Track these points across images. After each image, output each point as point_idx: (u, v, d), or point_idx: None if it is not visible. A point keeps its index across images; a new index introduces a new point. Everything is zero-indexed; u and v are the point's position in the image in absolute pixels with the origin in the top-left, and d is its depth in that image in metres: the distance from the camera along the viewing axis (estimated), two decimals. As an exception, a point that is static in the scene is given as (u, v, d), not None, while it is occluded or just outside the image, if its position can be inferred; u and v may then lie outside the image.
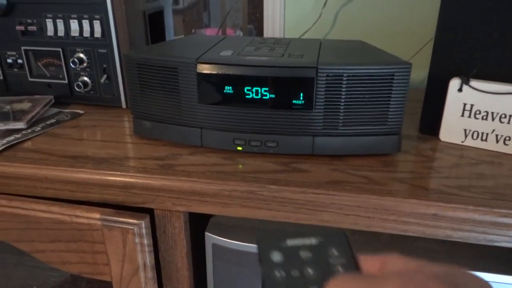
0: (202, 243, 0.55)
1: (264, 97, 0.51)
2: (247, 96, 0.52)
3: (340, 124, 0.52)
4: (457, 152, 0.56)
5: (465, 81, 0.55)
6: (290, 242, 0.27)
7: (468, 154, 0.55)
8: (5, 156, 0.55)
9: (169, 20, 0.83)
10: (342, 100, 0.51)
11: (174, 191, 0.49)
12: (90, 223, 0.52)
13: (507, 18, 0.52)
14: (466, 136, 0.57)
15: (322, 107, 0.51)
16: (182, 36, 0.98)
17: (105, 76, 0.70)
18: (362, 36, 0.89)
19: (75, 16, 0.67)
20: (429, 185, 0.48)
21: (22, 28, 0.70)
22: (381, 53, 0.57)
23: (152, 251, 0.53)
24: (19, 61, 0.73)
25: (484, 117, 0.55)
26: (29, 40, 0.71)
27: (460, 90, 0.55)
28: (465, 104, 0.56)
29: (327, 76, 0.50)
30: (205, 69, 0.52)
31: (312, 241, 0.27)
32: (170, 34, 0.83)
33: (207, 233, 0.54)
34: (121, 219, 0.51)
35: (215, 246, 0.54)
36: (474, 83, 0.54)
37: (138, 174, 0.50)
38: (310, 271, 0.25)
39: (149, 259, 0.53)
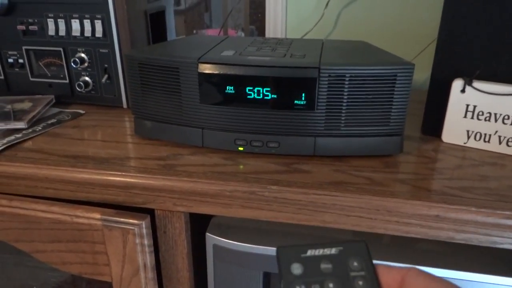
0: (202, 244, 0.55)
1: (265, 97, 0.51)
2: (248, 96, 0.51)
3: (342, 125, 0.51)
4: (460, 153, 0.56)
5: (468, 82, 0.54)
6: (311, 252, 0.26)
7: (471, 155, 0.55)
8: (6, 155, 0.55)
9: (171, 20, 0.83)
10: (344, 101, 0.50)
11: (175, 191, 0.49)
12: (90, 223, 0.51)
13: (511, 19, 0.52)
14: (468, 137, 0.57)
15: (324, 107, 0.51)
16: (184, 36, 0.97)
17: (106, 76, 0.70)
18: (364, 37, 0.89)
19: (76, 15, 0.67)
20: (432, 186, 0.47)
21: (23, 27, 0.70)
22: (383, 54, 0.56)
23: (153, 252, 0.53)
24: (20, 60, 0.73)
25: (487, 118, 0.55)
26: (30, 39, 0.71)
27: (463, 91, 0.55)
28: (467, 105, 0.55)
29: (329, 76, 0.49)
30: (206, 69, 0.52)
31: (332, 251, 0.27)
32: (171, 34, 0.83)
33: (207, 234, 0.54)
34: (122, 220, 0.51)
35: (215, 247, 0.53)
36: (477, 84, 0.54)
37: (139, 174, 0.50)
38: (330, 285, 0.25)
39: (149, 259, 0.53)
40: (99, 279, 0.55)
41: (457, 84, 0.55)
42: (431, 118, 0.60)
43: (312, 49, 0.58)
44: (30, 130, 0.62)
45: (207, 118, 0.54)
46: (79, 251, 0.54)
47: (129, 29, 0.67)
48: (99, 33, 0.67)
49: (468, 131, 0.56)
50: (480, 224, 0.43)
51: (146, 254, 0.52)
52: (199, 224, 0.56)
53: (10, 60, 0.73)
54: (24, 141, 0.59)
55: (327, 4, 0.89)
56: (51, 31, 0.69)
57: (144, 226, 0.51)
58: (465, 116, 0.56)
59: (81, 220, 0.52)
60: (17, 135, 0.60)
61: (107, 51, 0.68)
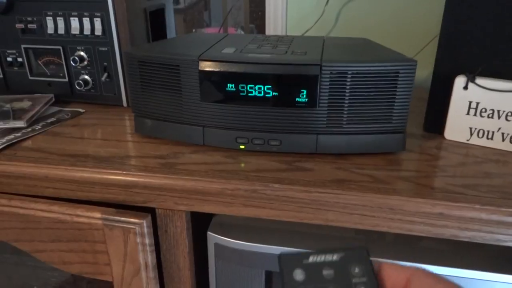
0: (204, 243, 0.55)
1: (267, 95, 0.51)
2: (250, 94, 0.51)
3: (344, 122, 0.51)
4: (463, 150, 0.55)
5: (471, 78, 0.54)
6: (313, 258, 0.27)
7: (474, 152, 0.55)
8: (5, 155, 0.54)
9: (170, 18, 0.83)
10: (346, 98, 0.50)
11: (176, 190, 0.49)
12: (91, 223, 0.51)
13: (514, 15, 0.52)
14: (471, 134, 0.56)
15: (326, 105, 0.50)
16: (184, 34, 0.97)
17: (105, 74, 0.70)
18: (364, 34, 0.88)
19: (75, 13, 0.67)
20: (435, 184, 0.47)
21: (22, 26, 0.69)
22: (385, 50, 0.56)
23: (154, 251, 0.53)
24: (19, 59, 0.72)
25: (490, 115, 0.54)
26: (29, 38, 0.70)
27: (465, 87, 0.55)
28: (470, 102, 0.55)
29: (331, 73, 0.49)
30: (207, 66, 0.51)
31: (334, 257, 0.27)
32: (171, 32, 0.83)
33: (209, 233, 0.53)
34: (123, 219, 0.50)
35: (217, 245, 0.53)
36: (480, 80, 0.54)
37: (139, 173, 0.49)
38: None
39: (150, 259, 0.52)
40: (100, 279, 0.55)
41: (460, 80, 0.55)
42: (433, 115, 0.60)
43: (313, 46, 0.57)
44: (29, 129, 0.62)
45: (208, 116, 0.53)
46: (79, 251, 0.54)
47: (129, 27, 0.67)
48: (98, 31, 0.67)
49: (471, 128, 0.56)
50: (484, 222, 0.43)
51: (147, 253, 0.52)
52: (200, 223, 0.55)
53: (9, 59, 0.72)
54: (24, 140, 0.59)
55: (327, 1, 0.88)
56: (50, 29, 0.68)
57: (145, 225, 0.50)
58: (468, 113, 0.56)
59: (81, 220, 0.51)
60: (17, 134, 0.60)
61: (106, 49, 0.68)
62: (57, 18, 0.68)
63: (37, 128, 0.62)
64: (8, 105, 0.67)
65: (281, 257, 0.27)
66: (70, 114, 0.68)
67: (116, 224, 0.50)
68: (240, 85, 0.51)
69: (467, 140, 0.57)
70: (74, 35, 0.68)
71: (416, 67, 0.49)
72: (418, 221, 0.45)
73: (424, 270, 0.25)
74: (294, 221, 0.48)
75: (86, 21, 0.67)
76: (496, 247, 0.45)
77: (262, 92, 0.51)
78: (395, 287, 0.25)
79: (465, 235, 0.44)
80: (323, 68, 0.49)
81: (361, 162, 0.52)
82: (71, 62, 0.69)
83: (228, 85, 0.51)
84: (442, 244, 0.50)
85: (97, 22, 0.66)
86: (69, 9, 0.67)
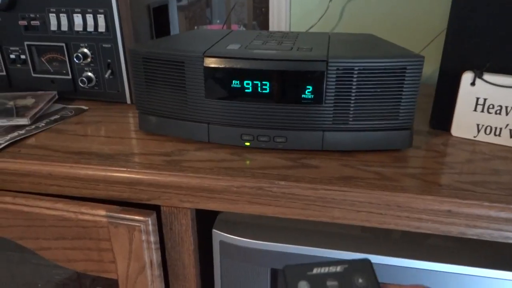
0: (209, 240, 0.54)
1: (272, 92, 0.50)
2: (255, 91, 0.50)
3: (351, 119, 0.51)
4: (470, 147, 0.55)
5: (478, 74, 0.53)
6: (317, 270, 0.27)
7: (481, 149, 0.54)
8: (9, 152, 0.54)
9: (174, 15, 0.82)
10: (353, 94, 0.49)
11: (181, 187, 0.48)
12: (95, 220, 0.51)
13: (522, 10, 0.51)
14: (478, 131, 0.56)
15: (332, 101, 0.50)
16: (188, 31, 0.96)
17: (109, 71, 0.69)
18: (369, 30, 0.88)
19: (78, 10, 0.66)
20: (442, 181, 0.47)
21: (25, 23, 0.69)
22: (392, 46, 0.55)
23: (159, 249, 0.52)
24: (22, 56, 0.72)
25: (498, 112, 0.54)
26: (32, 35, 0.70)
27: (473, 84, 0.54)
28: (478, 98, 0.54)
29: (338, 69, 0.49)
30: (212, 63, 0.51)
31: (338, 268, 0.27)
32: (174, 29, 0.82)
33: (214, 230, 0.53)
34: (127, 216, 0.50)
35: (222, 243, 0.53)
36: (487, 76, 0.53)
37: (144, 170, 0.49)
38: None
39: (155, 256, 0.52)
40: (104, 277, 0.55)
41: (467, 76, 0.54)
42: (440, 112, 0.59)
43: (319, 42, 0.57)
44: (33, 127, 0.61)
45: (213, 113, 0.53)
46: (84, 248, 0.53)
47: (132, 24, 0.66)
48: (102, 28, 0.66)
49: (478, 125, 0.55)
50: (492, 219, 0.43)
51: (152, 251, 0.52)
52: (205, 221, 0.55)
53: (12, 56, 0.72)
54: (27, 137, 0.59)
55: (331, -3, 0.88)
56: (53, 26, 0.68)
57: (150, 222, 0.50)
58: (475, 110, 0.55)
59: (86, 217, 0.51)
60: (20, 132, 0.59)
61: (110, 46, 0.67)
62: (60, 14, 0.67)
63: (40, 126, 0.62)
64: (11, 103, 0.66)
65: (285, 269, 0.27)
66: (73, 112, 0.68)
67: (121, 222, 0.50)
68: (245, 82, 0.50)
69: (474, 137, 0.56)
70: (78, 32, 0.68)
71: (424, 63, 0.49)
72: (425, 219, 0.44)
73: (424, 287, 0.26)
74: (300, 219, 0.47)
75: (89, 18, 0.66)
76: (504, 244, 0.45)
77: (268, 88, 0.50)
78: None
79: (473, 233, 0.44)
80: (330, 64, 0.48)
81: (367, 159, 0.52)
82: (75, 59, 0.68)
83: (233, 81, 0.51)
84: (449, 241, 0.50)
85: (101, 19, 0.66)
86: (72, 5, 0.66)
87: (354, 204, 0.45)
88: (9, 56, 0.72)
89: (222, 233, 0.52)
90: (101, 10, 0.65)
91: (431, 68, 0.83)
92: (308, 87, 0.49)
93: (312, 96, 0.50)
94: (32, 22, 0.69)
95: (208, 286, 0.59)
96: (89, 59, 0.69)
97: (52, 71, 0.72)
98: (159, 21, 0.76)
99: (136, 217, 0.50)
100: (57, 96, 0.71)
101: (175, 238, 0.53)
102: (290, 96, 0.50)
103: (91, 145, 0.56)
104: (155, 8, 0.73)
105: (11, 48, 0.72)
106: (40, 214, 0.52)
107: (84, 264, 0.55)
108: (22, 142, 0.57)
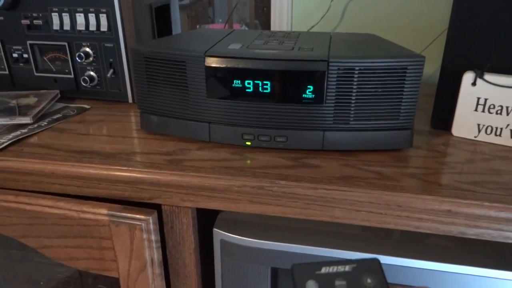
0: (210, 239, 0.54)
1: (273, 91, 0.50)
2: (256, 90, 0.51)
3: (351, 119, 0.51)
4: (470, 147, 0.55)
5: (479, 74, 0.53)
6: (325, 269, 0.27)
7: (482, 149, 0.54)
8: (12, 151, 0.54)
9: (176, 14, 0.82)
10: (354, 94, 0.50)
11: (182, 186, 0.48)
12: (97, 219, 0.51)
13: (523, 10, 0.51)
14: (479, 131, 0.56)
15: (333, 101, 0.50)
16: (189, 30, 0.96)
17: (111, 70, 0.69)
18: (371, 30, 0.88)
19: (81, 9, 0.66)
20: (443, 180, 0.47)
21: (27, 22, 0.69)
22: (393, 46, 0.55)
23: (160, 247, 0.53)
24: (25, 55, 0.72)
25: (499, 112, 0.54)
26: (35, 34, 0.70)
27: (473, 84, 0.54)
28: (478, 98, 0.54)
29: (338, 69, 0.49)
30: (213, 62, 0.51)
31: (346, 268, 0.27)
32: (176, 28, 0.82)
33: (215, 229, 0.53)
34: (129, 215, 0.50)
35: (223, 242, 0.53)
36: (488, 76, 0.53)
37: (145, 169, 0.49)
38: None
39: (156, 255, 0.52)
40: (106, 275, 0.55)
41: (468, 76, 0.54)
42: (440, 112, 0.59)
43: (320, 42, 0.57)
44: (35, 125, 0.62)
45: (214, 112, 0.53)
46: (86, 247, 0.54)
47: (134, 23, 0.66)
48: (104, 27, 0.67)
49: (479, 125, 0.55)
50: (493, 219, 0.43)
51: (153, 250, 0.52)
52: (206, 220, 0.55)
53: (15, 55, 0.72)
54: (30, 136, 0.59)
55: (333, -3, 0.88)
56: (56, 25, 0.68)
57: (151, 221, 0.50)
58: (476, 110, 0.55)
59: (87, 216, 0.51)
60: (23, 131, 0.60)
61: (112, 45, 0.68)
62: (63, 14, 0.67)
63: (43, 125, 0.62)
64: (14, 102, 0.67)
65: (293, 268, 0.27)
66: (75, 111, 0.68)
67: (122, 221, 0.50)
68: (247, 81, 0.51)
69: (475, 137, 0.56)
70: (80, 31, 0.68)
71: (424, 63, 0.49)
72: (425, 218, 0.44)
73: None
74: (301, 218, 0.47)
75: (91, 17, 0.67)
76: (504, 244, 0.45)
77: (269, 88, 0.50)
78: None
79: (473, 233, 0.44)
80: (331, 64, 0.49)
81: (368, 159, 0.52)
82: (77, 58, 0.69)
83: (235, 81, 0.51)
84: (449, 241, 0.50)
85: (103, 18, 0.66)
86: (74, 5, 0.66)
87: (354, 203, 0.45)
88: (12, 55, 0.73)
89: (223, 232, 0.53)
90: (103, 10, 0.66)
91: (432, 68, 0.83)
92: (309, 87, 0.50)
93: (313, 96, 0.50)
94: (35, 22, 0.69)
95: (209, 285, 0.59)
96: (91, 59, 0.69)
97: (54, 70, 0.72)
98: (161, 20, 0.76)
99: (138, 216, 0.50)
100: (59, 95, 0.71)
101: (176, 237, 0.54)
102: (291, 96, 0.50)
103: (93, 144, 0.56)
104: (157, 7, 0.74)
105: (14, 47, 0.72)
106: (42, 212, 0.53)
107: (85, 262, 0.55)
108: (24, 140, 0.57)
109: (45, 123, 0.63)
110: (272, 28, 0.95)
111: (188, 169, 0.49)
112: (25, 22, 0.69)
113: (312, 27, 0.91)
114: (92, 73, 0.71)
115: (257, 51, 0.52)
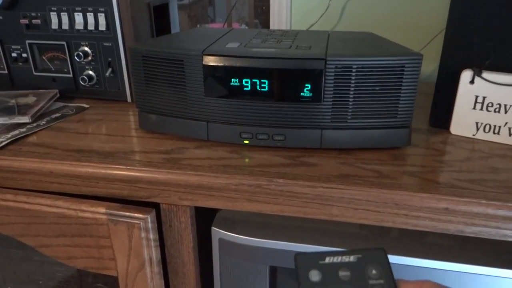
0: (208, 238, 0.55)
1: (271, 90, 0.50)
2: (254, 89, 0.51)
3: (349, 117, 0.51)
4: (469, 145, 0.55)
5: (478, 72, 0.53)
6: (329, 259, 0.26)
7: (480, 147, 0.54)
8: (10, 150, 0.54)
9: (174, 13, 0.82)
10: (351, 93, 0.50)
11: (180, 185, 0.49)
12: (95, 218, 0.51)
13: (521, 8, 0.51)
14: (477, 129, 0.56)
15: (331, 99, 0.50)
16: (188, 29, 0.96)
17: (110, 69, 0.69)
18: (369, 28, 0.88)
19: (79, 9, 0.67)
20: (441, 179, 0.47)
21: (26, 21, 0.69)
22: (391, 45, 0.55)
23: (158, 246, 0.53)
24: (24, 55, 0.72)
25: (497, 110, 0.54)
26: (34, 33, 0.70)
27: (472, 82, 0.54)
28: (477, 97, 0.54)
29: (336, 68, 0.49)
30: (211, 61, 0.51)
31: (351, 258, 0.26)
32: (175, 27, 0.82)
33: (213, 228, 0.53)
34: (127, 214, 0.50)
35: (221, 240, 0.53)
36: (486, 74, 0.53)
37: (143, 168, 0.49)
38: None
39: (155, 253, 0.52)
40: (104, 274, 0.55)
41: (466, 75, 0.54)
42: (439, 110, 0.59)
43: (318, 40, 0.57)
44: (34, 125, 0.62)
45: (212, 111, 0.53)
46: (84, 246, 0.54)
47: (133, 22, 0.66)
48: (102, 26, 0.67)
49: (477, 123, 0.55)
50: (490, 217, 0.43)
51: (152, 248, 0.52)
52: (204, 218, 0.55)
53: (14, 55, 0.73)
54: (29, 135, 0.59)
55: (332, -4, 0.88)
56: (54, 24, 0.68)
57: (149, 220, 0.50)
58: (474, 108, 0.55)
59: (86, 215, 0.51)
60: (21, 130, 0.60)
61: (110, 44, 0.68)
62: (61, 13, 0.67)
63: (41, 124, 0.62)
64: (13, 101, 0.67)
65: (297, 257, 0.27)
66: (74, 110, 0.68)
67: (121, 219, 0.50)
68: (244, 80, 0.51)
69: (473, 135, 0.56)
70: (78, 30, 0.68)
71: (422, 61, 0.49)
72: (423, 216, 0.44)
73: (432, 282, 0.25)
74: (299, 216, 0.47)
75: (90, 16, 0.67)
76: (502, 242, 0.45)
77: (267, 86, 0.50)
78: None
79: (471, 231, 0.44)
80: (328, 62, 0.48)
81: (366, 157, 0.52)
82: (75, 58, 0.69)
83: (232, 79, 0.51)
84: (447, 239, 0.50)
85: (101, 17, 0.66)
86: (73, 4, 0.66)
87: (352, 202, 0.45)
88: (10, 55, 0.73)
89: (221, 231, 0.53)
90: (102, 9, 0.66)
91: (431, 67, 0.83)
92: (306, 85, 0.50)
93: (311, 94, 0.50)
94: (34, 21, 0.69)
95: (208, 283, 0.59)
96: (90, 58, 0.69)
97: (53, 69, 0.73)
98: (160, 19, 0.76)
99: (136, 215, 0.50)
100: (58, 95, 0.71)
101: (174, 235, 0.54)
102: (288, 94, 0.50)
103: (92, 143, 0.56)
104: (155, 6, 0.74)
105: (13, 47, 0.72)
106: (40, 211, 0.53)
107: (84, 261, 0.55)
108: (23, 140, 0.58)
109: (44, 122, 0.63)
110: (272, 27, 0.95)
111: (186, 168, 0.49)
112: (23, 21, 0.69)
113: (311, 25, 0.91)
114: (90, 72, 0.71)
115: (255, 50, 0.52)
